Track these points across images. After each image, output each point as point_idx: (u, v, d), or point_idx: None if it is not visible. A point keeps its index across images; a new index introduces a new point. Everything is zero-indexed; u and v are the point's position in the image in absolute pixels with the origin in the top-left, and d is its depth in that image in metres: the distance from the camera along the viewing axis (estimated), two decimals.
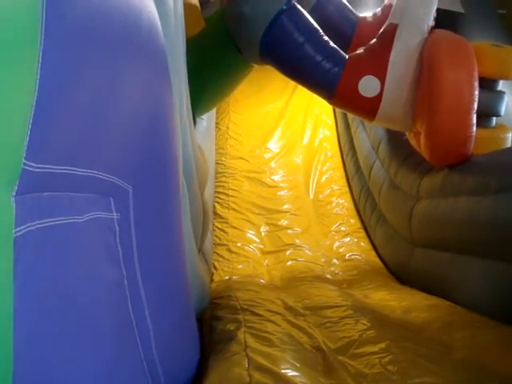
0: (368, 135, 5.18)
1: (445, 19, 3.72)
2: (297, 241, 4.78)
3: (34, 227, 0.95)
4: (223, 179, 5.38)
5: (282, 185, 5.49)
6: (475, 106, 3.08)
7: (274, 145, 5.94)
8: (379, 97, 3.29)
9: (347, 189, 5.62)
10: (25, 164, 0.89)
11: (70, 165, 1.06)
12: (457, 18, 4.45)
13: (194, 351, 2.09)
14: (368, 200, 4.97)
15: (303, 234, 4.89)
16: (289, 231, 4.91)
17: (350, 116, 5.69)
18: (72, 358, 1.10)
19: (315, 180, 5.66)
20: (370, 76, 3.28)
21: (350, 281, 4.04)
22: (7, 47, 0.82)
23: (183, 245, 1.93)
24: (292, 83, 5.50)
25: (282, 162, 5.75)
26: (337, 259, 4.61)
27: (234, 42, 3.66)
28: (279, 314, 2.75)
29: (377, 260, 4.56)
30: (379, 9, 4.00)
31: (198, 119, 4.27)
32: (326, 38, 3.44)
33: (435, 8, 3.38)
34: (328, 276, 4.23)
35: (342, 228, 5.08)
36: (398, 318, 2.82)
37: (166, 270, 1.69)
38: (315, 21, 3.49)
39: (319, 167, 5.80)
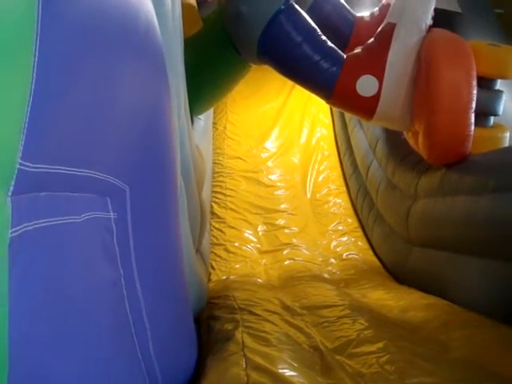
0: (365, 134, 5.19)
1: (442, 18, 3.72)
2: (294, 240, 4.78)
3: (31, 227, 0.95)
4: (220, 179, 5.37)
5: (279, 184, 5.48)
6: (473, 105, 3.09)
7: (271, 144, 5.93)
8: (377, 96, 3.29)
9: (344, 188, 5.62)
10: (21, 164, 0.89)
11: (66, 165, 1.06)
12: (454, 18, 4.45)
13: (192, 351, 2.09)
14: (365, 199, 4.97)
15: (300, 234, 4.89)
16: (286, 231, 4.91)
17: (348, 115, 5.69)
18: (69, 358, 1.10)
19: (312, 179, 5.66)
20: (368, 75, 3.28)
21: (347, 280, 4.04)
22: (2, 47, 0.81)
23: (180, 244, 1.93)
24: (289, 83, 5.50)
25: (279, 162, 5.75)
26: (334, 258, 4.61)
27: (232, 41, 3.65)
28: (277, 313, 2.75)
29: (374, 259, 4.56)
30: (377, 8, 4.00)
31: (195, 119, 4.26)
32: (323, 37, 3.44)
33: (433, 7, 3.38)
34: (325, 275, 4.23)
35: (340, 227, 5.08)
36: (396, 318, 2.82)
37: (164, 270, 1.69)
38: (313, 20, 3.49)
39: (316, 167, 5.80)
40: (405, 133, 3.78)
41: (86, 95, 1.09)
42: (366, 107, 3.39)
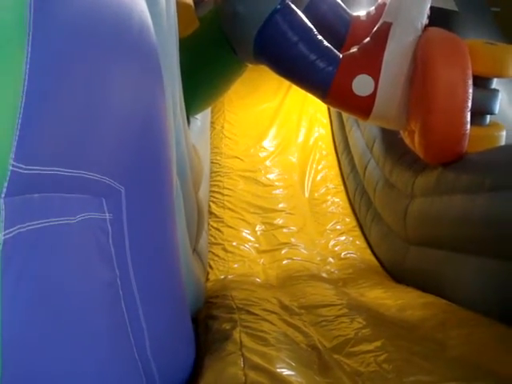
0: (362, 134, 5.19)
1: (438, 17, 3.72)
2: (292, 240, 4.77)
3: (24, 229, 0.95)
4: (218, 178, 5.37)
5: (277, 184, 5.48)
6: (469, 104, 3.09)
7: (268, 143, 5.93)
8: (373, 96, 3.29)
9: (342, 187, 5.61)
10: (13, 166, 0.89)
11: (60, 166, 1.06)
12: (450, 16, 4.45)
13: (189, 350, 2.09)
14: (363, 198, 4.98)
15: (299, 233, 4.88)
16: (284, 230, 4.91)
17: (345, 115, 5.68)
18: (65, 359, 1.10)
19: (310, 179, 5.66)
20: (364, 75, 3.28)
21: (345, 279, 4.04)
22: None
23: (177, 244, 1.93)
24: (286, 83, 5.47)
25: (277, 161, 5.75)
26: (332, 258, 4.61)
27: (228, 41, 3.65)
28: (275, 313, 2.75)
29: (372, 258, 4.56)
30: (373, 7, 4.00)
31: (192, 119, 4.26)
32: (319, 37, 3.44)
33: (428, 6, 3.38)
34: (323, 275, 4.23)
35: (338, 227, 5.08)
36: (393, 316, 2.82)
37: (160, 270, 1.69)
38: (309, 20, 3.49)
39: (314, 166, 5.80)
40: (401, 132, 3.79)
41: (79, 96, 1.08)
42: (362, 107, 3.39)
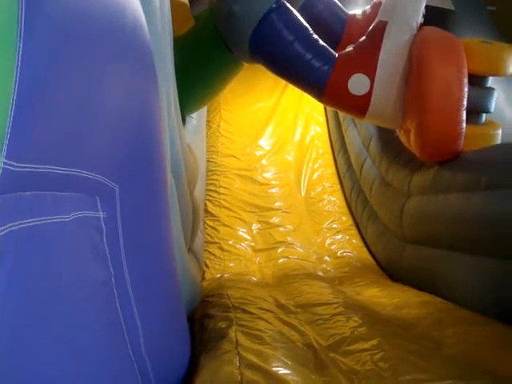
0: (359, 132, 5.19)
1: (434, 16, 3.72)
2: (288, 238, 4.78)
3: (16, 227, 0.95)
4: (214, 177, 5.37)
5: (273, 182, 5.48)
6: (465, 102, 3.09)
7: (265, 142, 5.93)
8: (369, 95, 3.29)
9: (339, 186, 5.62)
10: (5, 163, 0.89)
11: (53, 164, 1.05)
12: (446, 15, 4.45)
13: (185, 349, 2.09)
14: (359, 197, 4.98)
15: (295, 232, 4.89)
16: (280, 229, 4.91)
17: (341, 113, 5.68)
18: (59, 358, 1.10)
19: (307, 177, 5.66)
20: (360, 74, 3.28)
21: (341, 278, 4.05)
22: None
23: (172, 243, 1.92)
24: (282, 81, 5.47)
25: (273, 160, 5.75)
26: (328, 256, 4.61)
27: (224, 40, 3.65)
28: (271, 311, 2.76)
29: (368, 257, 4.57)
30: (368, 6, 4.00)
31: (187, 118, 4.26)
32: (315, 36, 3.44)
33: (424, 5, 3.38)
34: (320, 273, 4.23)
35: (334, 225, 5.09)
36: (390, 315, 2.83)
37: (155, 268, 1.68)
38: (305, 19, 3.49)
39: (311, 165, 5.80)
40: (397, 131, 3.79)
41: (72, 94, 1.08)
42: (357, 106, 3.39)
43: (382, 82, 3.25)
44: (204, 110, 5.48)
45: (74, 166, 1.14)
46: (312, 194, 5.50)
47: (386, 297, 3.24)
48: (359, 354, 2.19)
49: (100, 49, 1.20)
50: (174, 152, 2.35)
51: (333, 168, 5.84)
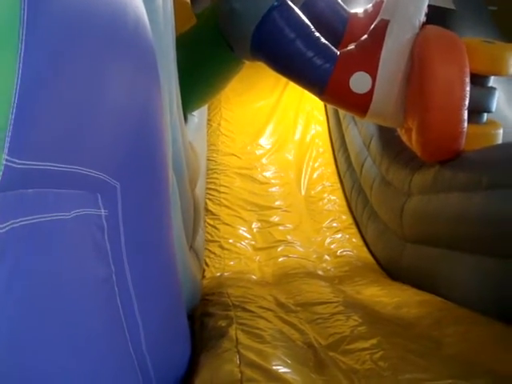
0: (359, 131, 5.19)
1: (436, 15, 3.72)
2: (288, 237, 4.78)
3: (17, 224, 0.94)
4: (215, 176, 5.36)
5: (273, 181, 5.48)
6: (466, 102, 3.09)
7: (265, 141, 5.92)
8: (370, 93, 3.29)
9: (339, 185, 5.62)
10: (6, 160, 0.88)
11: (55, 161, 1.05)
12: (448, 15, 4.45)
13: (185, 347, 2.09)
14: (359, 196, 4.98)
15: (295, 231, 4.89)
16: (280, 228, 4.91)
17: (342, 112, 5.68)
18: (60, 355, 1.10)
19: (307, 176, 5.65)
20: (362, 72, 3.28)
21: (341, 277, 4.05)
22: None
23: (173, 241, 1.92)
24: (283, 80, 5.50)
25: (273, 159, 5.74)
26: (328, 255, 4.61)
27: (225, 38, 3.64)
28: (271, 310, 2.76)
29: (368, 256, 4.57)
30: (370, 5, 3.99)
31: (189, 116, 4.25)
32: (317, 34, 3.44)
33: (426, 4, 3.38)
34: (319, 272, 4.23)
35: (334, 224, 5.08)
36: (389, 314, 2.83)
37: (156, 266, 1.68)
38: (306, 17, 3.49)
39: (311, 163, 5.79)
40: (398, 130, 3.79)
41: (74, 92, 1.08)
42: (359, 104, 3.39)
43: (384, 80, 3.25)
44: (205, 108, 5.47)
45: (76, 163, 1.14)
46: (312, 192, 5.50)
47: (385, 296, 3.24)
48: (359, 353, 2.19)
49: (102, 47, 1.19)
50: (175, 150, 2.35)
51: (333, 167, 5.84)
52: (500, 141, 3.47)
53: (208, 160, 5.51)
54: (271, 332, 2.37)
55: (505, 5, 5.36)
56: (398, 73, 3.27)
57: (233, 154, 5.66)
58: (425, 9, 3.37)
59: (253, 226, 4.90)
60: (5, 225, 0.90)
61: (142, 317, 1.48)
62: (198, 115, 4.72)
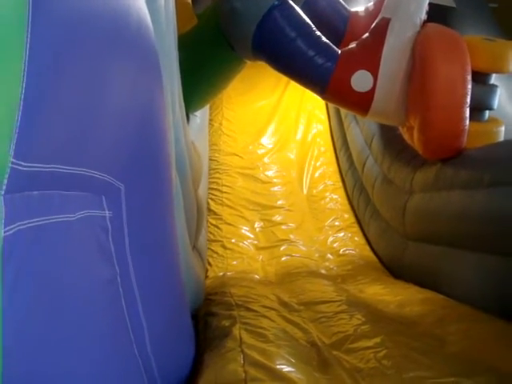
0: (361, 130, 5.19)
1: (437, 13, 3.71)
2: (291, 236, 4.77)
3: (24, 226, 0.95)
4: (217, 175, 5.36)
5: (275, 180, 5.48)
6: (468, 99, 3.09)
7: (267, 140, 5.92)
8: (372, 92, 3.29)
9: (341, 184, 5.61)
10: (13, 163, 0.89)
11: (60, 163, 1.05)
12: (449, 12, 4.45)
13: (189, 347, 2.09)
14: (361, 195, 4.98)
15: (297, 230, 4.88)
16: (283, 227, 4.91)
17: (343, 111, 5.68)
18: (65, 356, 1.10)
19: (309, 175, 5.65)
20: (363, 71, 3.28)
21: (344, 276, 4.05)
22: None
23: (176, 241, 1.93)
24: (284, 79, 5.51)
25: (275, 158, 5.74)
26: (331, 254, 4.61)
27: (227, 37, 3.65)
28: (274, 309, 2.76)
29: (371, 254, 4.57)
30: (371, 3, 3.99)
31: (191, 116, 4.26)
32: (318, 32, 3.44)
33: (427, 2, 3.38)
34: (322, 271, 4.23)
35: (336, 223, 5.08)
36: (393, 313, 2.83)
37: (159, 267, 1.69)
38: (307, 16, 3.49)
39: (313, 162, 5.79)
40: (400, 128, 3.79)
41: (78, 93, 1.08)
42: (360, 103, 3.39)
43: (385, 78, 3.25)
44: (206, 108, 5.47)
45: (80, 165, 1.15)
46: (314, 191, 5.49)
47: (388, 294, 3.24)
48: (362, 352, 2.19)
49: (105, 48, 1.20)
50: (178, 150, 2.35)
51: (335, 166, 5.83)
52: (502, 138, 3.47)
53: (210, 160, 5.50)
54: (275, 331, 2.37)
55: (506, 2, 5.36)
56: (400, 71, 3.27)
57: (235, 154, 5.66)
58: (426, 7, 3.37)
59: (255, 225, 4.90)
60: (12, 227, 0.91)
61: (146, 318, 1.49)
62: (200, 115, 4.72)
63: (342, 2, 4.16)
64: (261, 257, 4.49)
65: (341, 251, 4.66)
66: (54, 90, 0.99)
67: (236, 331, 2.31)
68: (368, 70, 3.27)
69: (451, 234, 3.16)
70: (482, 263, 2.83)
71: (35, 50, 0.89)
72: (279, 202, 5.21)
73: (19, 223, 0.93)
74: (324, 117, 6.32)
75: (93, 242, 1.26)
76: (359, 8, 4.16)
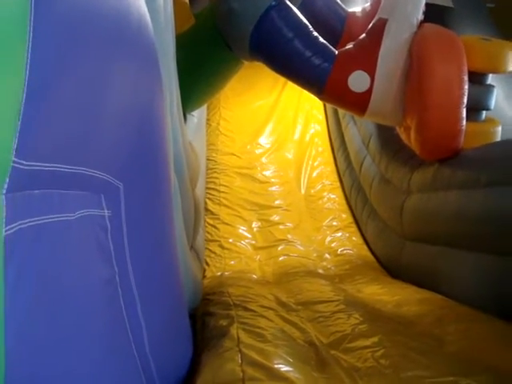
0: (358, 130, 5.19)
1: (434, 13, 3.72)
2: (289, 236, 4.78)
3: (25, 225, 0.95)
4: (214, 175, 5.36)
5: (273, 180, 5.48)
6: (465, 100, 3.09)
7: (265, 140, 5.92)
8: (369, 92, 3.29)
9: (338, 184, 5.62)
10: (14, 162, 0.89)
11: (60, 162, 1.06)
12: (446, 12, 4.46)
13: (187, 347, 2.10)
14: (359, 195, 4.98)
15: (295, 230, 4.89)
16: (280, 226, 4.91)
17: (341, 111, 5.69)
18: (65, 355, 1.10)
19: (306, 175, 5.66)
20: (360, 71, 3.28)
21: (341, 275, 4.05)
22: None
23: (175, 241, 1.93)
24: (282, 79, 5.50)
25: (273, 158, 5.74)
26: (329, 254, 4.61)
27: (224, 38, 3.65)
28: (272, 309, 2.76)
29: (368, 254, 4.57)
30: (368, 4, 4.00)
31: (188, 116, 4.25)
32: (315, 33, 3.44)
33: (424, 2, 3.38)
34: (320, 271, 4.24)
35: (334, 223, 5.08)
36: (390, 312, 2.83)
37: (158, 267, 1.69)
38: (304, 16, 3.49)
39: (310, 162, 5.79)
40: (397, 128, 3.79)
41: (80, 92, 1.08)
42: (358, 103, 3.39)
43: (382, 79, 3.25)
44: (204, 108, 5.47)
45: (80, 164, 1.15)
46: (312, 191, 5.49)
47: (386, 294, 3.25)
48: (360, 351, 2.20)
49: (106, 47, 1.20)
50: (176, 149, 2.35)
51: (332, 166, 5.84)
52: (499, 138, 3.48)
53: (208, 159, 5.50)
54: (272, 331, 2.37)
55: (503, 2, 5.37)
56: (397, 71, 3.27)
57: (232, 154, 5.66)
58: (422, 7, 3.37)
59: (253, 225, 4.90)
60: (13, 225, 0.91)
61: (145, 317, 1.49)
62: (197, 115, 4.72)
63: (339, 3, 4.16)
64: (258, 257, 4.49)
65: (338, 251, 4.66)
66: (57, 89, 0.99)
67: (234, 331, 2.31)
68: (365, 71, 3.27)
69: (448, 234, 3.17)
70: (479, 263, 2.84)
71: (37, 49, 0.90)
72: (277, 202, 5.21)
73: (20, 222, 0.94)
74: (322, 117, 6.32)
75: (92, 241, 1.26)
76: (356, 8, 4.16)
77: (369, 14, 3.74)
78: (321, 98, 3.76)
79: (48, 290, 1.03)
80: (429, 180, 3.44)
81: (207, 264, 4.27)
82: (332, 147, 6.03)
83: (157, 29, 1.77)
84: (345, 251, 4.65)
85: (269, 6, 3.35)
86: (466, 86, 3.08)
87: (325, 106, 6.30)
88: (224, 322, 2.48)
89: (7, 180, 0.89)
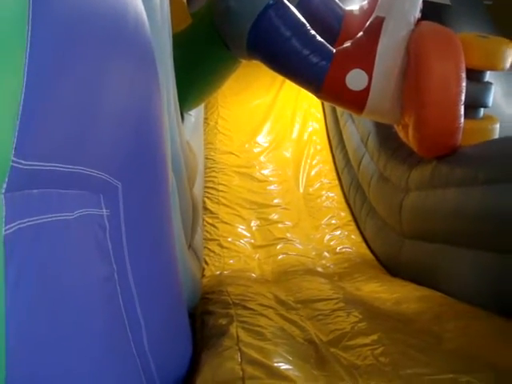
0: (357, 128, 5.19)
1: (431, 11, 3.72)
2: (287, 235, 4.78)
3: (24, 224, 0.95)
4: (213, 174, 5.36)
5: (271, 179, 5.48)
6: (463, 97, 3.10)
7: (263, 139, 5.92)
8: (367, 90, 3.29)
9: (337, 182, 5.62)
10: (13, 161, 0.89)
11: (59, 162, 1.06)
12: (443, 10, 4.46)
13: (187, 346, 2.10)
14: (358, 193, 4.99)
15: (294, 228, 4.89)
16: (279, 225, 4.92)
17: (339, 109, 5.69)
18: (65, 354, 1.10)
19: (305, 174, 5.66)
20: (358, 69, 3.28)
21: (341, 273, 4.06)
22: None
23: (173, 240, 1.93)
24: (280, 78, 5.51)
25: (271, 156, 5.74)
26: (328, 252, 4.62)
27: (222, 36, 3.65)
28: (271, 307, 2.76)
29: (367, 252, 4.58)
30: (365, 2, 4.00)
31: (185, 115, 4.26)
32: (312, 32, 3.44)
33: (421, 0, 3.38)
34: (319, 269, 4.24)
35: (333, 221, 5.09)
36: (389, 310, 2.83)
37: (157, 265, 1.69)
38: (302, 15, 3.49)
39: (309, 161, 5.79)
40: (395, 126, 3.79)
41: (78, 92, 1.08)
42: (355, 101, 3.39)
43: (380, 77, 3.25)
44: (201, 107, 5.47)
45: (79, 163, 1.15)
46: (310, 190, 5.50)
47: (385, 292, 3.25)
48: (360, 349, 2.20)
49: (104, 47, 1.20)
50: (174, 149, 2.35)
51: (331, 164, 5.84)
52: (497, 135, 3.48)
53: (206, 158, 5.50)
54: (272, 329, 2.37)
55: None
56: (394, 69, 3.27)
57: (231, 153, 5.66)
58: (420, 5, 3.37)
59: (252, 224, 4.90)
60: (12, 225, 0.91)
61: (144, 316, 1.49)
62: (195, 114, 4.72)
63: (337, 1, 4.16)
64: (257, 255, 4.50)
65: (337, 249, 4.67)
66: (55, 89, 0.99)
67: (233, 329, 2.31)
68: (362, 69, 3.27)
69: (447, 232, 3.17)
70: (477, 260, 2.84)
71: (36, 49, 0.90)
72: (275, 201, 5.21)
73: (19, 221, 0.94)
74: (320, 115, 6.32)
75: (91, 240, 1.26)
76: (354, 7, 4.16)
77: (366, 12, 3.74)
78: (318, 97, 3.77)
79: (48, 289, 1.04)
80: (427, 178, 3.45)
81: (206, 263, 4.27)
82: (330, 145, 6.03)
83: (154, 28, 1.76)
84: (344, 249, 4.66)
85: (267, 5, 3.35)
86: (464, 84, 3.08)
87: (323, 104, 6.30)
88: (223, 321, 2.48)
89: (6, 179, 0.89)
